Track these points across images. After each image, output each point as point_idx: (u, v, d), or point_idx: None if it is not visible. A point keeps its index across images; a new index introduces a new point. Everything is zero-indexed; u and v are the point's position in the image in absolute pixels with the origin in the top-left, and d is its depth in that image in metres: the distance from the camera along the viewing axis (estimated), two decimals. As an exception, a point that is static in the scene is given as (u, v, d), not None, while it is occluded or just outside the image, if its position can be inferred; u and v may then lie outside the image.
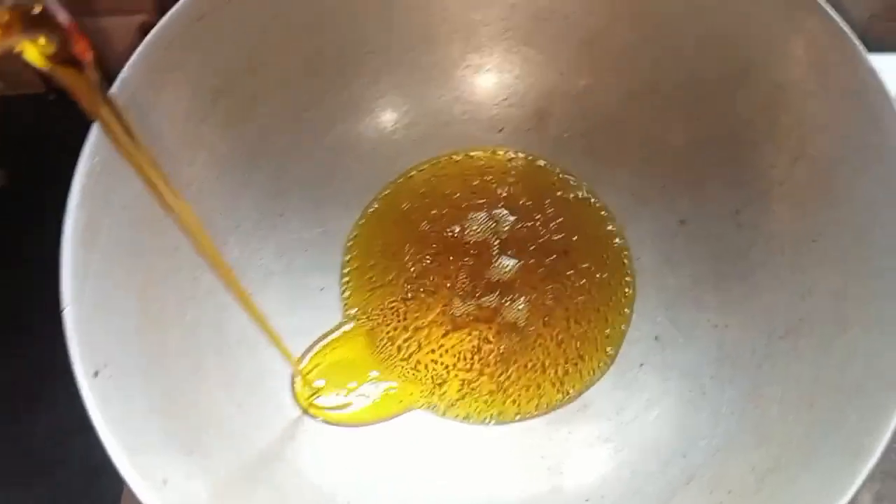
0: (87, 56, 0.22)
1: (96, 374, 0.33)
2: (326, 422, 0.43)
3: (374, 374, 0.45)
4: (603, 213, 0.48)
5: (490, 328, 0.46)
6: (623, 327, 0.45)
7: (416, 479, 0.42)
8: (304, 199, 0.47)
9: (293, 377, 0.43)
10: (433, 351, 0.46)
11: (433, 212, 0.49)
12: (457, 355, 0.45)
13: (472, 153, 0.50)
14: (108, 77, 0.58)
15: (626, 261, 0.47)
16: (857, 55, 0.37)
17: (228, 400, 0.40)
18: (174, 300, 0.40)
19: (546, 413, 0.43)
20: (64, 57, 0.21)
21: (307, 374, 0.44)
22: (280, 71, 0.45)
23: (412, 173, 0.50)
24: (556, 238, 0.48)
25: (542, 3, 0.46)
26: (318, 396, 0.43)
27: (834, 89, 0.38)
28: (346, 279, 0.47)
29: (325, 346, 0.45)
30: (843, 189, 0.38)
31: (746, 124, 0.43)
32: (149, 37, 0.38)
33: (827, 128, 0.39)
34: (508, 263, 0.47)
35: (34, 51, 0.21)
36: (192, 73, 0.41)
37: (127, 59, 0.38)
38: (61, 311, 0.34)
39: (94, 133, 0.36)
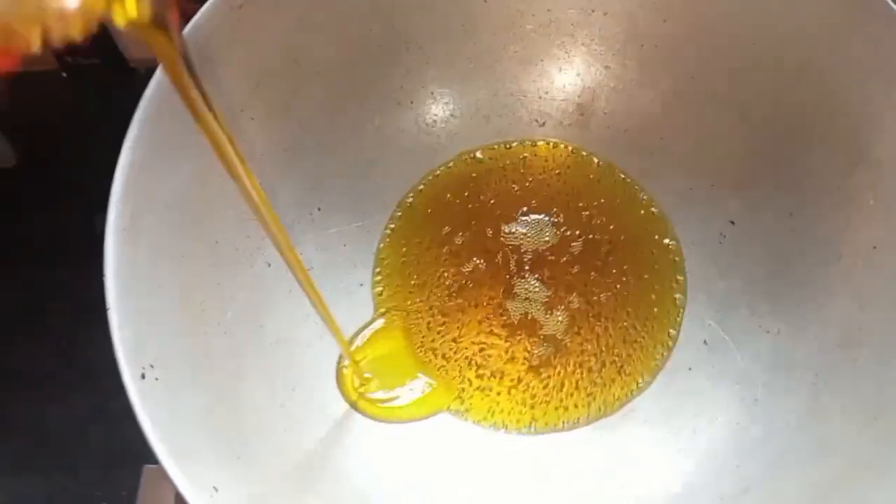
0: (176, 19, 0.22)
1: (143, 376, 0.32)
2: (371, 416, 0.42)
3: (416, 371, 0.44)
4: (653, 209, 0.47)
5: (530, 329, 0.45)
6: (672, 331, 0.44)
7: (454, 486, 0.41)
8: (343, 193, 0.46)
9: (342, 365, 0.43)
10: (470, 355, 0.45)
11: (472, 207, 0.48)
12: (495, 359, 0.44)
13: (513, 145, 0.49)
14: (127, 58, 0.57)
15: (676, 260, 0.46)
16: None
17: (271, 401, 0.39)
18: (214, 300, 0.39)
19: (590, 420, 0.43)
20: (155, 20, 0.21)
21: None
22: (320, 62, 0.43)
23: (451, 165, 0.49)
24: (601, 237, 0.46)
25: (588, -6, 0.45)
26: (365, 389, 0.43)
27: (896, 94, 0.37)
28: (381, 276, 0.46)
29: (367, 341, 0.44)
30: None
31: (801, 125, 0.42)
32: (188, 27, 0.37)
33: (890, 132, 0.38)
34: (551, 263, 0.46)
35: (123, 13, 0.21)
36: (231, 63, 0.39)
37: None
38: (107, 311, 0.33)
39: (136, 125, 0.35)
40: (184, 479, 0.30)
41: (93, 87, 0.60)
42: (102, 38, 0.56)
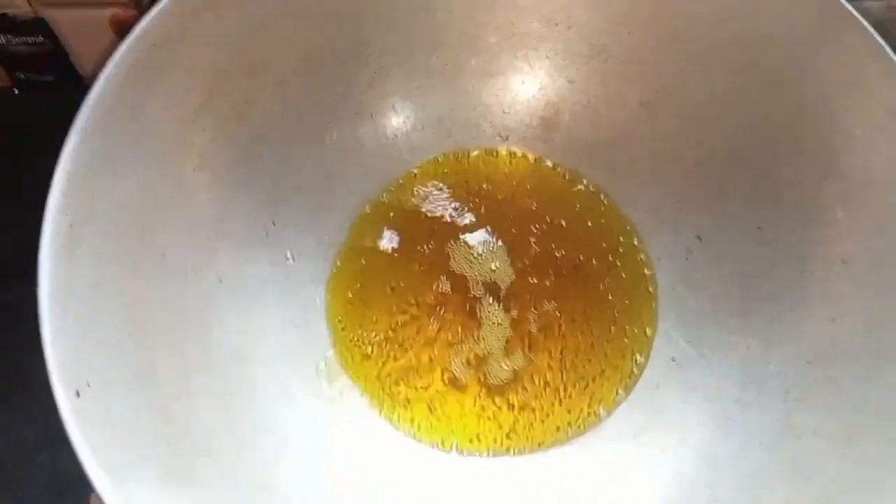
0: None
1: (78, 394, 0.30)
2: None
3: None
4: (622, 224, 0.46)
5: (495, 350, 0.43)
6: (641, 348, 0.43)
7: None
8: (299, 206, 0.44)
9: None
10: (429, 381, 0.43)
11: (434, 219, 0.46)
12: (459, 381, 0.43)
13: (474, 153, 0.48)
14: (82, 75, 0.56)
15: (645, 274, 0.44)
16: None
17: (221, 423, 0.37)
18: (162, 313, 0.37)
19: (558, 442, 0.41)
20: None
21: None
22: (277, 72, 0.42)
23: (413, 175, 0.47)
24: (566, 252, 0.45)
25: (552, 7, 0.44)
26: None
27: (870, 106, 0.37)
28: (335, 293, 0.45)
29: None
30: (875, 210, 0.36)
31: (770, 138, 0.41)
32: (136, 30, 0.36)
33: (859, 145, 0.37)
34: (516, 279, 0.45)
35: None
36: (182, 72, 0.38)
37: (99, 55, 0.35)
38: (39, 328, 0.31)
39: (77, 133, 0.33)
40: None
41: (46, 104, 0.57)
42: (57, 55, 0.54)
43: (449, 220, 0.46)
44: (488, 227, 0.46)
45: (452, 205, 0.46)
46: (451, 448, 0.41)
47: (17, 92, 0.58)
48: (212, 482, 0.34)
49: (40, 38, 0.53)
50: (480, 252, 0.45)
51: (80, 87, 0.56)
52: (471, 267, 0.45)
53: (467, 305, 0.44)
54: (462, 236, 0.46)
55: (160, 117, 0.38)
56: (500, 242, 0.46)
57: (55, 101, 0.55)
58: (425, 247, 0.46)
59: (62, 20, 0.52)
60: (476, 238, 0.46)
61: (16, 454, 0.49)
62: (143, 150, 0.37)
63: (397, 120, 0.47)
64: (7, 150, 0.58)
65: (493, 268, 0.45)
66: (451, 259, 0.45)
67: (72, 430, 0.29)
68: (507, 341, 0.43)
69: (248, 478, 0.36)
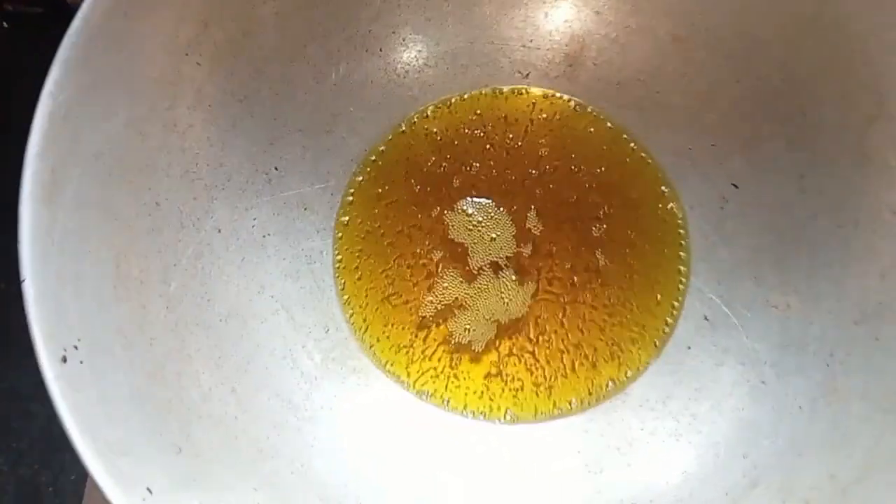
0: None
1: (65, 359, 0.28)
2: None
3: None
4: (650, 167, 0.42)
5: (513, 306, 0.41)
6: (674, 304, 0.40)
7: (434, 477, 0.37)
8: (303, 150, 0.41)
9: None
10: (440, 337, 0.40)
11: (448, 166, 0.43)
12: (473, 341, 0.40)
13: (491, 92, 0.44)
14: (71, 4, 0.52)
15: (678, 226, 0.41)
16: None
17: (219, 385, 0.34)
18: (156, 267, 0.34)
19: (583, 406, 0.39)
20: None
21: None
22: (276, 0, 0.38)
23: (426, 117, 0.44)
24: (590, 200, 0.42)
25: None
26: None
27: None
28: (343, 244, 0.42)
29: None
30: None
31: (813, 76, 0.38)
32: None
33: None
34: (535, 229, 0.42)
35: None
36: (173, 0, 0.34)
37: None
38: (21, 283, 0.28)
39: (59, 66, 0.30)
40: (109, 482, 0.26)
41: (35, 37, 0.54)
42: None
43: (467, 164, 0.43)
44: (509, 170, 0.43)
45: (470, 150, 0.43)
46: (468, 412, 0.39)
47: (5, 25, 0.54)
48: (211, 450, 0.32)
49: (28, -32, 0.50)
50: (503, 198, 0.42)
51: (68, 17, 0.53)
52: (491, 216, 0.42)
53: (491, 257, 0.41)
54: (482, 188, 0.43)
55: (150, 50, 0.34)
56: (524, 189, 0.42)
57: (45, 34, 0.53)
58: (443, 195, 0.42)
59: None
60: (499, 185, 0.43)
61: (9, 405, 0.47)
62: (132, 86, 0.33)
63: (408, 55, 0.43)
64: None
65: (517, 214, 0.42)
66: (471, 208, 0.42)
67: (56, 396, 0.27)
68: (528, 298, 0.41)
69: (251, 444, 0.34)
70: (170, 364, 0.33)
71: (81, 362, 0.28)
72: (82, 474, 0.44)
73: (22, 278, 0.28)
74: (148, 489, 0.27)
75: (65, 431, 0.27)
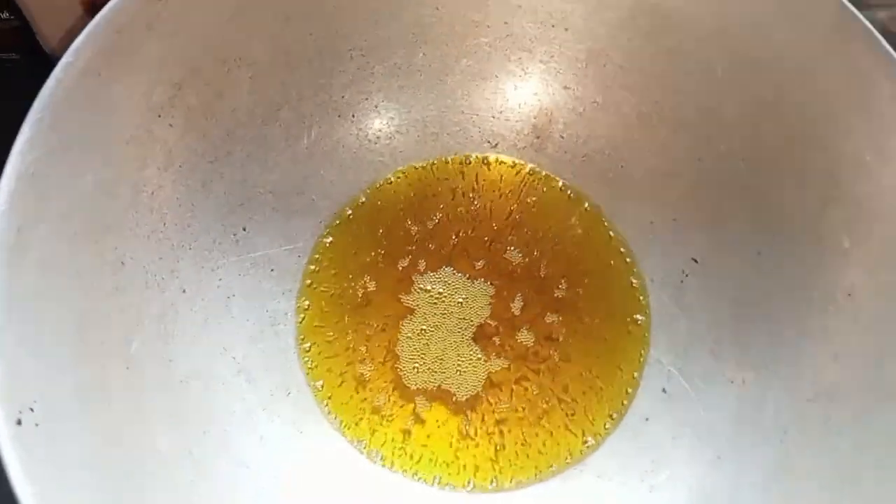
0: None
1: (19, 421, 0.27)
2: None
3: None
4: (614, 239, 0.43)
5: (472, 376, 0.41)
6: (634, 375, 0.40)
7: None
8: (272, 211, 0.41)
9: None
10: (399, 411, 0.40)
11: (415, 231, 0.43)
12: (434, 410, 0.40)
13: (459, 160, 0.45)
14: (49, 60, 0.52)
15: (639, 299, 0.42)
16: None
17: (177, 448, 0.34)
18: (118, 327, 0.34)
19: (539, 478, 0.39)
20: None
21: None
22: (251, 65, 0.39)
23: (395, 182, 0.44)
24: (552, 269, 0.43)
25: (549, 8, 0.42)
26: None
27: (881, 129, 0.34)
28: (307, 307, 0.42)
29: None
30: (885, 241, 0.34)
31: (773, 158, 0.39)
32: (98, 17, 0.33)
33: (868, 171, 0.35)
34: (498, 298, 0.42)
35: None
36: (148, 61, 0.35)
37: (71, 40, 0.32)
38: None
39: (30, 126, 0.30)
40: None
41: (11, 84, 0.54)
42: (22, 32, 0.51)
43: (432, 230, 0.43)
44: (475, 236, 0.43)
45: (437, 218, 0.44)
46: (428, 481, 0.39)
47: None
48: (167, 514, 0.31)
49: (5, 15, 0.50)
50: (468, 266, 0.43)
51: (46, 65, 0.53)
52: (452, 285, 0.42)
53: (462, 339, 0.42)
54: (447, 253, 0.43)
55: (123, 110, 0.35)
56: (489, 257, 0.43)
57: (19, 80, 0.52)
58: (406, 261, 0.43)
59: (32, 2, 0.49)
60: (464, 253, 0.43)
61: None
62: (103, 147, 0.34)
63: (380, 121, 0.44)
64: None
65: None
66: (431, 277, 0.43)
67: (10, 464, 0.26)
68: (486, 374, 0.41)
69: (209, 510, 0.33)
70: (127, 427, 0.32)
71: (37, 425, 0.28)
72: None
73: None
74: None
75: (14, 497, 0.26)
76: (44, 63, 0.53)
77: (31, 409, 0.28)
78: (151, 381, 0.34)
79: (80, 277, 0.32)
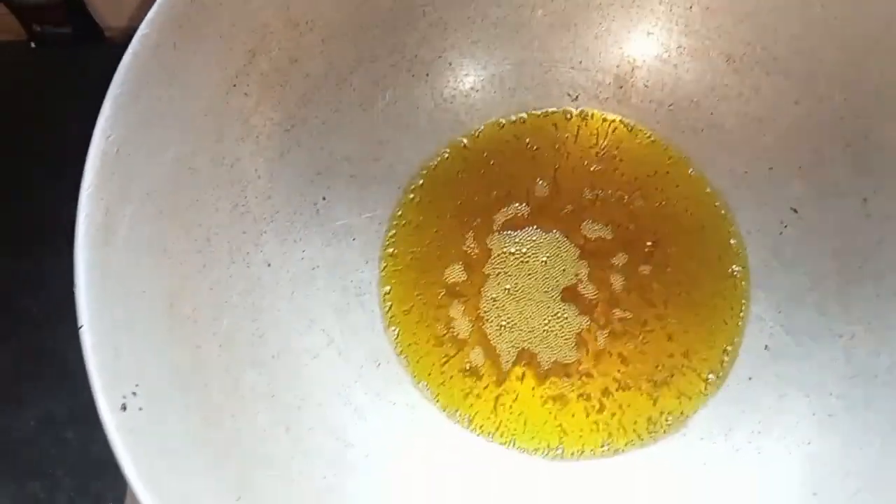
0: None
1: (124, 406, 0.27)
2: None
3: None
4: (706, 191, 0.41)
5: (566, 337, 0.40)
6: (734, 335, 0.39)
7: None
8: (351, 178, 0.41)
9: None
10: (488, 377, 0.40)
11: (494, 192, 0.42)
12: (528, 372, 0.39)
13: (539, 115, 0.43)
14: (101, 26, 0.52)
15: (737, 253, 0.40)
16: None
17: (274, 425, 0.34)
18: (208, 305, 0.34)
19: (637, 444, 0.38)
20: None
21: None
22: (323, 28, 0.38)
23: (474, 141, 0.43)
24: (643, 226, 0.41)
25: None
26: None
27: None
28: (390, 275, 0.41)
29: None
30: None
31: (876, 95, 0.37)
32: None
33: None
34: (589, 258, 0.41)
35: None
36: (221, 30, 0.34)
37: (140, 12, 0.32)
38: (79, 330, 0.27)
39: (110, 103, 0.30)
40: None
41: (64, 58, 0.54)
42: (74, 5, 0.51)
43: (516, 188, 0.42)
44: (560, 195, 0.42)
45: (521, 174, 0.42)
46: (524, 447, 0.38)
47: (33, 45, 0.54)
48: (271, 492, 0.31)
49: (58, -11, 0.50)
50: (555, 224, 0.41)
51: (100, 40, 0.53)
52: (542, 243, 0.41)
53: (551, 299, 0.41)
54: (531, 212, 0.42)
55: (198, 81, 0.34)
56: (576, 214, 0.42)
57: (74, 55, 0.53)
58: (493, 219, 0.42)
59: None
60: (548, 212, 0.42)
61: (45, 432, 0.47)
62: (181, 120, 0.33)
63: (454, 79, 0.42)
64: (26, 109, 0.54)
65: (571, 242, 0.41)
66: (521, 233, 0.41)
67: (119, 449, 0.26)
68: (577, 334, 0.40)
69: (308, 486, 0.33)
70: (225, 406, 0.32)
71: (140, 409, 0.28)
72: (120, 501, 0.44)
73: (79, 325, 0.27)
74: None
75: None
76: (98, 38, 0.53)
77: (134, 394, 0.28)
78: (244, 359, 0.34)
79: (168, 256, 0.32)
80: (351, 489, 0.34)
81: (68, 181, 0.30)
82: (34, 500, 0.45)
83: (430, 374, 0.39)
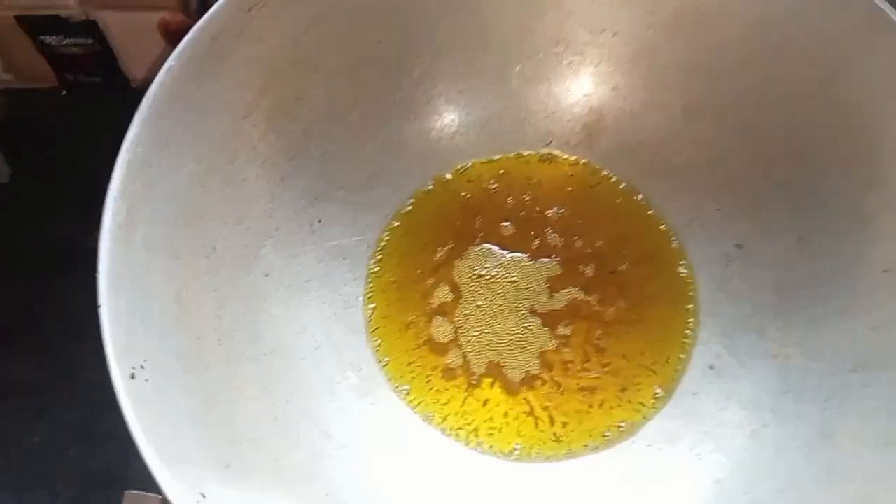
0: None
1: (133, 376, 0.31)
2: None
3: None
4: (662, 226, 0.46)
5: (527, 353, 0.44)
6: (682, 355, 0.43)
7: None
8: (344, 205, 0.45)
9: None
10: (461, 383, 0.44)
11: (471, 222, 0.47)
12: (491, 385, 0.43)
13: (515, 157, 0.48)
14: (128, 77, 0.56)
15: (688, 283, 0.44)
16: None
17: (264, 413, 0.37)
18: (211, 303, 0.38)
19: (592, 447, 0.41)
20: None
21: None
22: (327, 69, 0.42)
23: (456, 176, 0.48)
24: (605, 257, 0.46)
25: (598, 14, 0.45)
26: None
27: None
28: (373, 293, 0.45)
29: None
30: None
31: (814, 146, 0.41)
32: (197, 26, 0.37)
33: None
34: (555, 280, 0.45)
35: None
36: (238, 65, 0.39)
37: (146, 57, 0.36)
38: (98, 308, 0.31)
39: (137, 123, 0.34)
40: (172, 483, 0.29)
41: (92, 105, 0.59)
42: (105, 57, 0.55)
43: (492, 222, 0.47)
44: (531, 227, 0.46)
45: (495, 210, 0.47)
46: (489, 450, 0.42)
47: (64, 93, 0.59)
48: (255, 469, 0.35)
49: (89, 40, 0.54)
50: (526, 253, 0.46)
51: (126, 88, 0.57)
52: (512, 269, 0.46)
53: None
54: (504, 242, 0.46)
55: (214, 111, 0.38)
56: (545, 245, 0.46)
57: (102, 102, 0.57)
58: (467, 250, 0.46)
59: (112, 22, 0.53)
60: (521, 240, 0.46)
61: (51, 446, 0.50)
62: (197, 143, 0.37)
63: (442, 122, 0.47)
64: (56, 151, 0.59)
65: (537, 270, 0.45)
66: (493, 263, 0.46)
67: (126, 409, 0.30)
68: (541, 351, 0.44)
69: (291, 467, 0.37)
70: (222, 392, 0.36)
71: (147, 381, 0.32)
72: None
73: (99, 304, 0.31)
74: (202, 494, 0.30)
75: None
76: (125, 88, 0.57)
77: (142, 367, 0.32)
78: (240, 353, 0.38)
79: (178, 257, 0.36)
80: (329, 473, 0.38)
81: (94, 215, 0.33)
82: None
83: (406, 379, 0.43)
